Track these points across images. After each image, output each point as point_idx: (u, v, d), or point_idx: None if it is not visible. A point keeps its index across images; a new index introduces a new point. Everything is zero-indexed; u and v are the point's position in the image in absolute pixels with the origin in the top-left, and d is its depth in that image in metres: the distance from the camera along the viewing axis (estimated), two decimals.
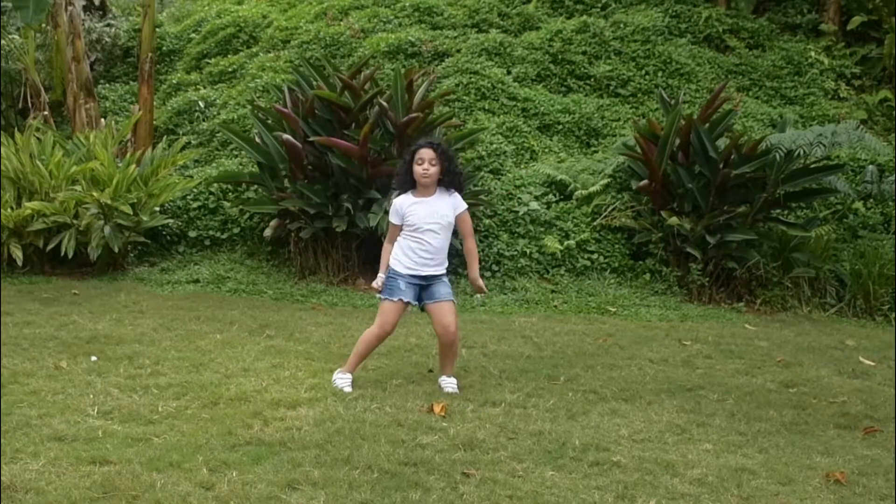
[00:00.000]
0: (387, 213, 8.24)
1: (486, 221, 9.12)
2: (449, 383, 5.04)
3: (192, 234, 9.49)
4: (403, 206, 4.99)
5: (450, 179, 5.02)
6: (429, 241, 4.94)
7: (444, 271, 5.06)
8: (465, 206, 5.10)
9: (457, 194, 5.07)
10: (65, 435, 3.96)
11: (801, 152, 8.18)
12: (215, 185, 9.68)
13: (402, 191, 5.06)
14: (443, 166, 4.95)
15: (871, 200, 9.67)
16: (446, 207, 5.00)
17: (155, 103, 11.55)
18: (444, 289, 5.00)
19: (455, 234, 5.17)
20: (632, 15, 12.40)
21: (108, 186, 8.51)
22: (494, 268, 8.85)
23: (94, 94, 10.95)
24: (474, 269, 5.16)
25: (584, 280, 8.81)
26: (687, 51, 11.96)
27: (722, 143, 8.81)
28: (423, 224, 4.94)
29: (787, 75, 11.88)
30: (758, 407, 4.92)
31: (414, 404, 4.62)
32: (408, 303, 4.98)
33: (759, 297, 8.52)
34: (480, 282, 5.17)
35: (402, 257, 4.99)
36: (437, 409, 4.52)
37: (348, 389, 4.88)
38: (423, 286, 5.00)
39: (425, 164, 4.92)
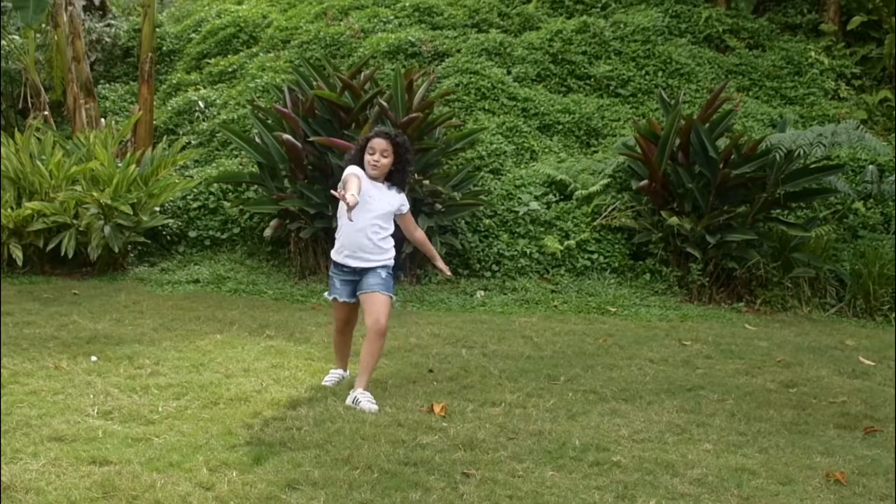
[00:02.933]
0: None
1: (486, 221, 9.12)
2: (364, 400, 4.60)
3: (192, 234, 9.50)
4: (358, 172, 4.71)
5: (398, 177, 4.84)
6: (365, 224, 4.71)
7: (379, 264, 4.76)
8: (408, 207, 4.93)
9: (402, 195, 4.88)
10: (65, 435, 3.96)
11: (801, 152, 8.18)
12: (215, 185, 9.68)
13: None
14: (397, 160, 4.77)
15: (871, 200, 9.67)
16: (389, 199, 4.80)
17: (155, 103, 11.55)
18: (373, 279, 4.73)
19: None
20: (632, 15, 12.40)
21: (108, 186, 8.51)
22: (494, 268, 8.86)
23: (94, 94, 10.95)
24: (433, 252, 5.14)
25: (584, 280, 8.81)
26: (687, 51, 11.96)
27: (722, 143, 8.81)
28: (366, 200, 4.66)
29: (787, 75, 11.89)
30: (758, 407, 4.91)
31: (414, 404, 4.62)
32: (343, 301, 4.82)
33: (759, 297, 8.52)
34: (441, 263, 5.08)
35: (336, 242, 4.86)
36: (437, 409, 4.52)
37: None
38: (356, 280, 4.80)
39: (376, 154, 4.72)
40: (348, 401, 4.61)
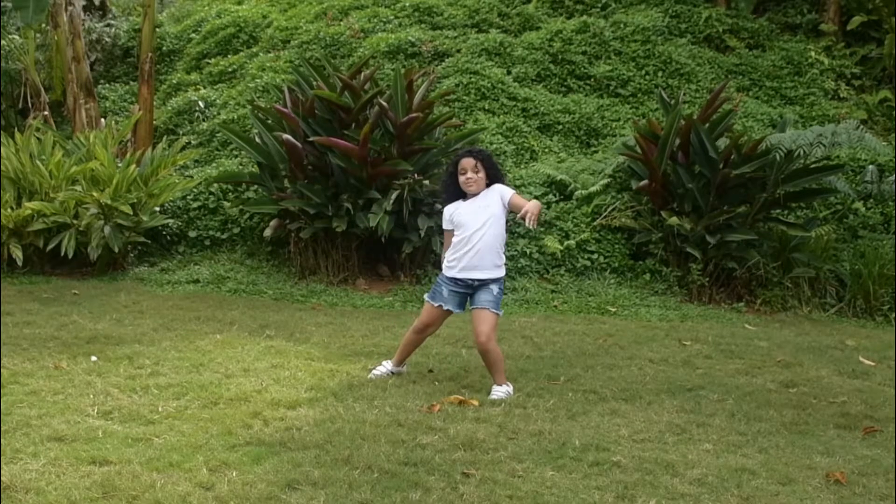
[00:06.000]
0: (386, 212, 8.31)
1: None
2: (495, 391, 4.93)
3: (192, 234, 9.50)
4: (450, 210, 5.11)
5: (493, 181, 5.06)
6: (475, 241, 4.92)
7: (493, 277, 4.95)
8: (512, 190, 5.02)
9: (500, 186, 5.04)
10: (65, 435, 3.95)
11: (801, 152, 8.18)
12: (215, 185, 9.68)
13: (450, 201, 5.15)
14: (487, 172, 5.02)
15: (871, 200, 9.67)
16: (489, 200, 4.98)
17: (155, 103, 11.55)
18: (484, 296, 4.94)
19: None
20: (632, 15, 12.40)
21: (108, 186, 8.51)
22: None
23: (94, 94, 10.96)
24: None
25: (584, 280, 8.81)
26: (687, 51, 11.97)
27: (722, 143, 8.81)
28: (469, 221, 4.95)
29: (787, 75, 11.89)
30: (758, 407, 4.91)
31: (414, 404, 4.62)
32: (447, 309, 5.04)
33: (759, 297, 8.52)
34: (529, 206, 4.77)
35: (448, 260, 5.07)
36: (436, 408, 4.53)
37: (378, 372, 5.20)
38: (469, 293, 5.02)
39: (468, 172, 4.98)
40: (500, 396, 4.90)
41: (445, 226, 5.14)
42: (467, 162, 5.00)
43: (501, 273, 5.00)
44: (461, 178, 5.01)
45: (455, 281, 5.00)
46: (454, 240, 5.04)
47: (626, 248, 9.15)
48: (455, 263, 5.00)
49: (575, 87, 11.58)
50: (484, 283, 4.95)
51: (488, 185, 5.05)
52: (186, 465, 3.62)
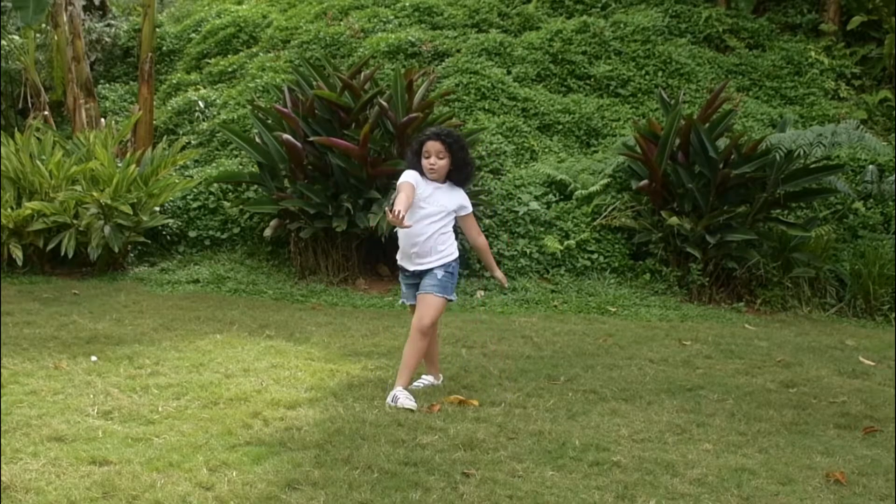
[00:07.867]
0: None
1: (486, 221, 9.12)
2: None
3: (192, 234, 9.50)
4: (416, 175, 4.68)
5: (458, 176, 4.75)
6: (419, 229, 4.64)
7: (436, 265, 4.69)
8: (470, 208, 4.81)
9: (463, 194, 4.80)
10: (65, 435, 3.95)
11: (801, 152, 8.18)
12: (215, 185, 9.68)
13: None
14: (453, 159, 4.69)
15: (871, 200, 9.68)
16: (449, 199, 4.72)
17: (155, 103, 11.55)
18: (428, 280, 4.70)
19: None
20: (632, 15, 12.40)
21: (108, 186, 8.51)
22: None
23: (94, 94, 10.96)
24: (491, 262, 5.02)
25: (584, 280, 8.81)
26: (687, 51, 11.97)
27: (722, 143, 8.81)
28: (420, 203, 4.64)
29: (787, 75, 11.89)
30: (758, 407, 4.91)
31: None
32: (412, 305, 4.86)
33: (759, 297, 8.52)
34: (499, 273, 4.99)
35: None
36: (435, 408, 4.53)
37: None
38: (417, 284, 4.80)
39: (432, 157, 4.66)
40: (388, 400, 4.57)
41: (409, 179, 4.62)
42: (433, 146, 4.65)
43: (448, 259, 4.71)
44: (424, 162, 4.66)
45: (404, 272, 4.83)
46: (399, 232, 4.71)
47: (626, 248, 9.16)
48: (401, 254, 4.80)
49: (575, 87, 11.58)
50: (429, 270, 4.71)
51: (451, 174, 4.72)
52: (186, 465, 3.62)
